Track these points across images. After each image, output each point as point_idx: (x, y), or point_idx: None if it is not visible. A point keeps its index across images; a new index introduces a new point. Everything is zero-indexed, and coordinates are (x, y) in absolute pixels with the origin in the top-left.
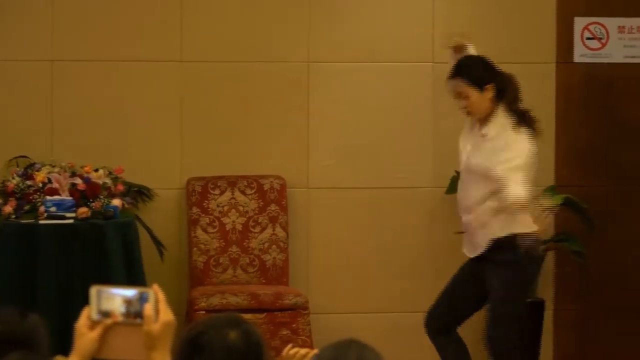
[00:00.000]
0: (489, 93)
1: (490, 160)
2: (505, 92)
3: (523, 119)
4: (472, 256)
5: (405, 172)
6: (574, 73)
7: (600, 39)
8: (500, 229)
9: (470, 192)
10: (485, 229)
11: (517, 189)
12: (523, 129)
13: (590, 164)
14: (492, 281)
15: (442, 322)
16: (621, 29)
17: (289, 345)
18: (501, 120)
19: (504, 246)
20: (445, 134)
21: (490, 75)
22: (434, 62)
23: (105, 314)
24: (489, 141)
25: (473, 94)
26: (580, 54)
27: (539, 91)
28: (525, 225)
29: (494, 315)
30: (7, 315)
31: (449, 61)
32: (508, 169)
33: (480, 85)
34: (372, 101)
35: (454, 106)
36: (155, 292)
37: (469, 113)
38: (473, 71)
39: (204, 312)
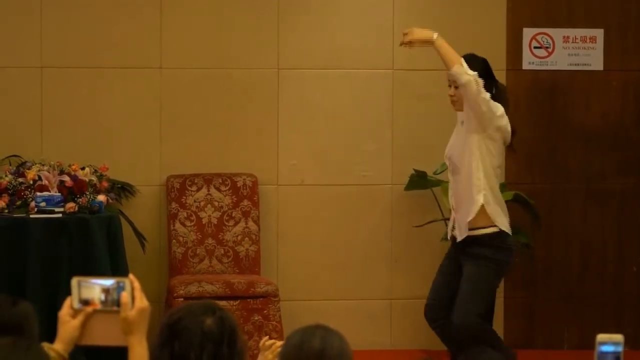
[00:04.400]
0: None
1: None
2: (497, 100)
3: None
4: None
5: (367, 170)
6: (523, 79)
7: (547, 48)
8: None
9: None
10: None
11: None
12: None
13: (536, 163)
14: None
15: (445, 313)
16: (566, 39)
17: (265, 338)
18: None
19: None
20: (403, 135)
21: (484, 75)
22: (393, 69)
23: (86, 303)
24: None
25: None
26: (529, 61)
27: None
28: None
29: (473, 291)
30: None
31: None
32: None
33: None
34: (337, 105)
35: (410, 109)
36: (131, 281)
37: (452, 102)
38: (470, 65)
39: (182, 299)
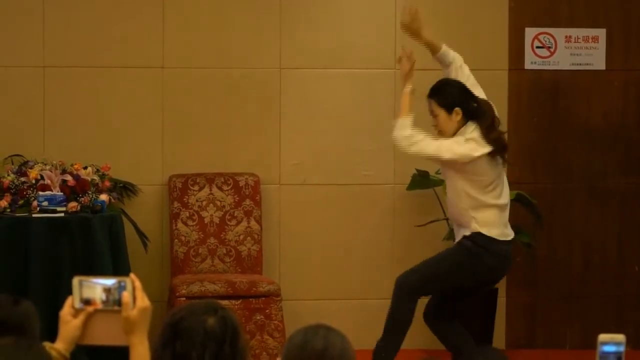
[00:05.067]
0: (457, 116)
1: None
2: (476, 118)
3: (496, 149)
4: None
5: (369, 169)
6: (525, 79)
7: (549, 47)
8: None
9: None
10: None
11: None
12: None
13: (538, 162)
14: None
15: (441, 313)
16: (568, 39)
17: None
18: (469, 133)
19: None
20: None
21: (461, 100)
22: (395, 69)
23: (87, 302)
24: None
25: (441, 114)
26: (531, 61)
27: (492, 96)
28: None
29: (431, 262)
30: (0, 301)
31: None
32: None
33: (449, 107)
34: (339, 104)
35: (412, 109)
36: (133, 281)
37: (438, 132)
38: (445, 94)
39: (184, 298)
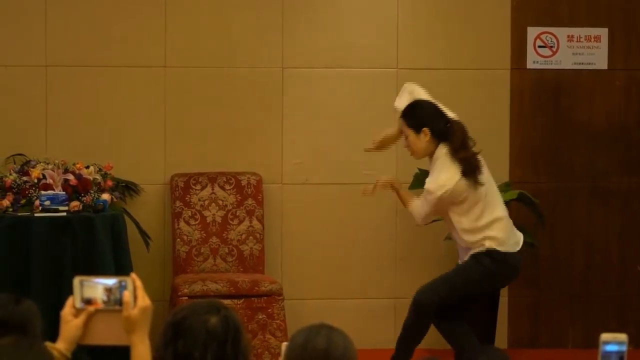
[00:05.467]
0: (425, 136)
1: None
2: (447, 138)
3: (466, 169)
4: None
5: (371, 169)
6: (527, 78)
7: (551, 47)
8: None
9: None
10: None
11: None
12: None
13: (541, 162)
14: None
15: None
16: (570, 38)
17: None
18: (438, 158)
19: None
20: None
21: (429, 120)
22: (397, 69)
23: (88, 302)
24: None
25: (410, 134)
26: (533, 60)
27: (495, 95)
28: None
29: (449, 277)
30: (2, 300)
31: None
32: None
33: (416, 127)
34: (341, 104)
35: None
36: (133, 280)
37: (410, 153)
38: (414, 114)
39: (186, 298)
